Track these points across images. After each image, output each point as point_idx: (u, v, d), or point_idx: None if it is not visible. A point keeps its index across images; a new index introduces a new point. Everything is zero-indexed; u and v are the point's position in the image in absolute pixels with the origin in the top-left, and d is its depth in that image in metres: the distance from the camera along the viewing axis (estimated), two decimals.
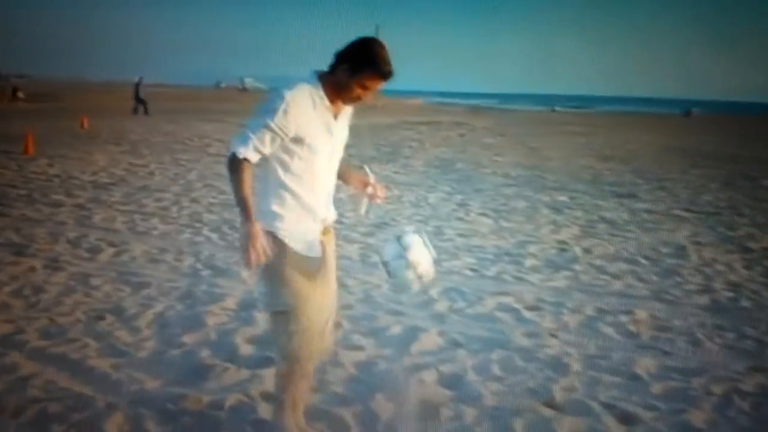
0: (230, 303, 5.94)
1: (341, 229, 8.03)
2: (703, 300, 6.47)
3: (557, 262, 7.70)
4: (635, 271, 7.43)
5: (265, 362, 4.70)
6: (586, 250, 8.30)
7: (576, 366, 4.81)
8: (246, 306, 5.87)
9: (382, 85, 3.27)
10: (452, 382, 4.52)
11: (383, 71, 3.19)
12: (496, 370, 4.72)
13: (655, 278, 7.14)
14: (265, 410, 4.01)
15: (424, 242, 3.56)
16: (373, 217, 9.07)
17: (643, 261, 7.87)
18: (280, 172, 3.27)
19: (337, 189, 3.55)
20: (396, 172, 15.18)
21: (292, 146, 3.21)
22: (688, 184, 14.67)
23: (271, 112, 3.11)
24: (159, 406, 4.02)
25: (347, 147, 3.55)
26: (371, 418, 3.98)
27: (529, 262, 7.69)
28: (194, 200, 11.02)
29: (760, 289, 6.83)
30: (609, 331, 5.59)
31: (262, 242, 3.13)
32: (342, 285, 5.31)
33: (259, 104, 3.22)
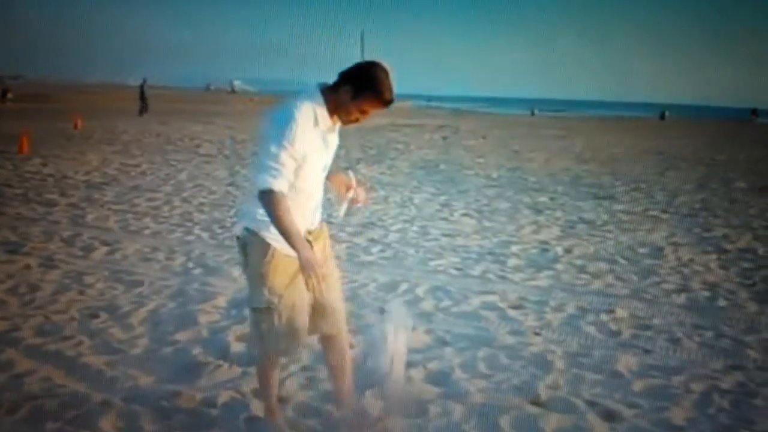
0: (221, 301, 5.90)
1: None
2: (681, 299, 6.47)
3: (539, 262, 7.69)
4: (614, 270, 7.43)
5: (257, 359, 4.67)
6: (567, 250, 8.30)
7: (559, 364, 4.80)
8: (237, 304, 5.82)
9: (381, 111, 3.27)
10: (440, 379, 4.50)
11: (384, 99, 3.18)
12: (482, 367, 4.70)
13: (634, 277, 7.14)
14: (257, 407, 3.97)
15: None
16: (351, 219, 9.05)
17: (622, 261, 7.87)
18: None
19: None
20: (382, 173, 15.16)
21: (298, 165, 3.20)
22: (664, 186, 14.71)
23: (289, 139, 3.08)
24: (153, 403, 3.98)
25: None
26: (361, 415, 3.94)
27: (512, 261, 7.68)
28: (185, 200, 10.96)
29: (736, 288, 6.83)
30: (591, 329, 5.58)
31: (320, 264, 3.17)
32: None
33: (271, 126, 3.16)
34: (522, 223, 9.95)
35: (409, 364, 4.63)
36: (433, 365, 4.69)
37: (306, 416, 3.91)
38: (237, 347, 4.91)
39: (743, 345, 5.32)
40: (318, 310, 3.50)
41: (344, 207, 3.65)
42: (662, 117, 61.81)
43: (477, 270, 7.27)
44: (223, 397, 4.07)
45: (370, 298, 6.15)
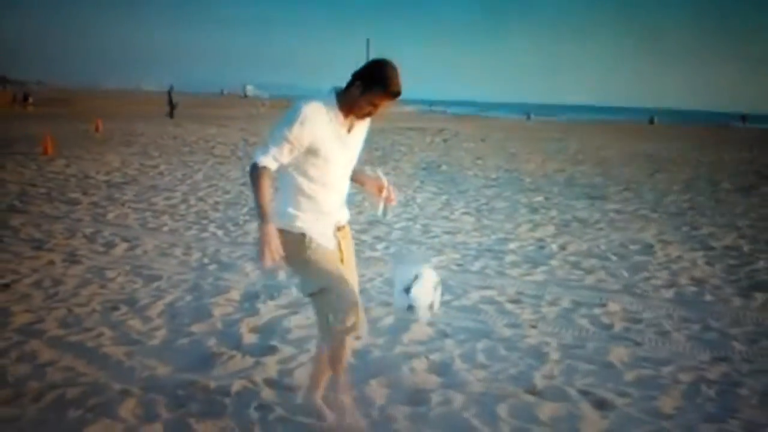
0: (235, 295, 5.90)
1: None
2: (670, 294, 6.44)
3: (535, 258, 7.67)
4: (606, 266, 7.40)
5: (269, 350, 4.68)
6: (562, 247, 8.28)
7: (554, 355, 4.79)
8: (249, 297, 5.83)
9: (391, 104, 3.29)
10: (441, 369, 4.49)
11: (391, 90, 3.21)
12: (481, 358, 4.69)
13: (625, 273, 7.12)
14: (268, 395, 3.98)
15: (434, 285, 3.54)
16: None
17: (614, 257, 7.85)
18: (298, 180, 3.33)
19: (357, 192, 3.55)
20: (386, 174, 14.98)
21: (308, 156, 3.26)
22: (653, 186, 14.67)
23: (289, 124, 3.16)
24: (169, 391, 3.98)
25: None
26: (366, 403, 3.94)
27: (509, 258, 7.66)
28: (201, 199, 10.97)
29: (721, 284, 6.81)
30: (584, 322, 5.57)
31: (276, 242, 3.17)
32: None
33: (280, 117, 3.25)
34: (519, 222, 9.94)
35: (412, 356, 4.66)
36: (434, 356, 4.68)
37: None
38: (249, 338, 4.91)
39: (729, 338, 5.30)
40: None
41: (381, 207, 3.68)
42: (651, 121, 61.75)
43: (476, 266, 7.25)
44: (236, 386, 4.06)
45: (376, 292, 6.15)
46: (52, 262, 6.82)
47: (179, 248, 7.57)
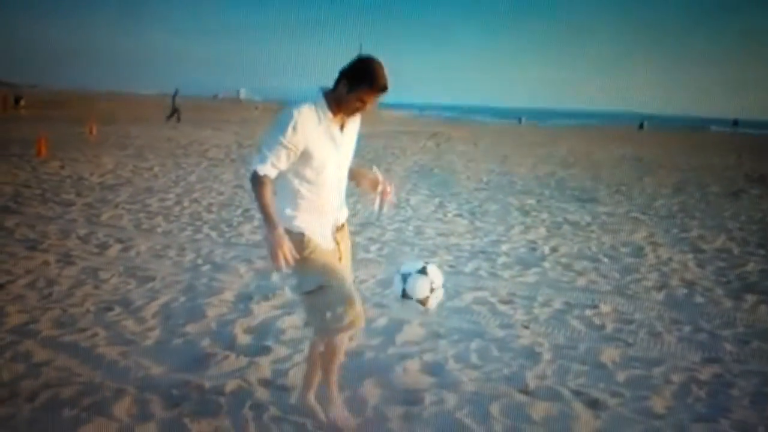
0: (228, 296, 5.88)
1: None
2: (661, 296, 6.45)
3: (527, 260, 7.67)
4: (598, 268, 7.41)
5: (262, 350, 4.67)
6: (553, 249, 8.28)
7: (547, 355, 4.79)
8: (243, 298, 5.81)
9: (379, 99, 3.27)
10: (434, 369, 4.49)
11: (378, 86, 3.20)
12: (474, 358, 4.68)
13: (616, 275, 7.13)
14: (262, 395, 3.97)
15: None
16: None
17: (605, 259, 7.86)
18: (295, 182, 3.32)
19: (350, 195, 3.54)
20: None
21: (304, 159, 3.25)
22: (643, 189, 14.71)
23: (282, 130, 3.16)
24: (164, 391, 3.96)
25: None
26: (360, 403, 3.94)
27: (501, 259, 7.66)
28: (195, 201, 10.93)
29: (712, 286, 6.82)
30: (576, 323, 5.57)
31: (288, 245, 3.16)
32: None
33: (272, 123, 3.24)
34: (511, 224, 9.94)
35: (405, 356, 4.65)
36: (428, 356, 4.68)
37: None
38: (243, 339, 4.89)
39: (719, 339, 5.31)
40: None
41: (377, 203, 3.68)
42: (641, 126, 61.83)
43: (469, 267, 7.25)
44: (230, 385, 4.05)
45: (369, 293, 6.13)
46: (46, 263, 6.78)
47: (173, 249, 7.54)
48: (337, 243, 3.52)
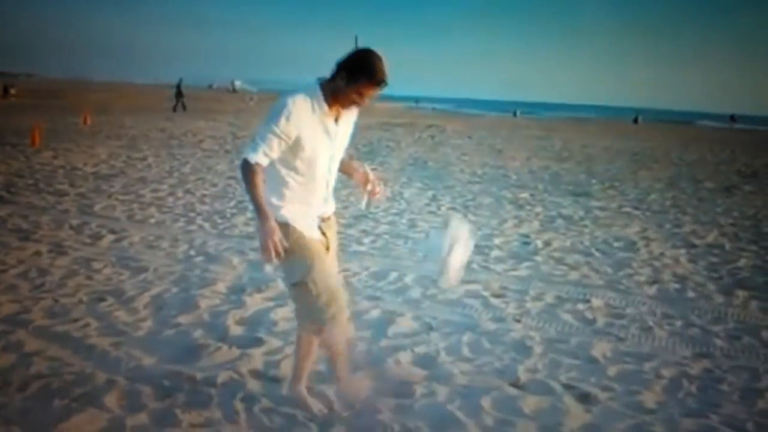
0: (221, 287, 5.87)
1: None
2: (653, 290, 6.47)
3: (520, 254, 7.69)
4: (590, 262, 7.43)
5: (254, 342, 4.66)
6: (546, 243, 8.29)
7: (538, 349, 4.79)
8: (236, 290, 5.81)
9: (377, 93, 3.25)
10: (426, 362, 4.49)
11: (377, 79, 3.17)
12: (465, 351, 4.69)
13: (608, 269, 7.14)
14: (254, 387, 3.96)
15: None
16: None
17: (597, 254, 7.87)
18: (283, 172, 3.30)
19: (343, 187, 3.51)
20: (374, 169, 14.93)
21: (294, 149, 3.23)
22: (637, 184, 14.73)
23: (276, 118, 3.14)
24: (155, 382, 3.95)
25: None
26: (351, 395, 3.93)
27: (494, 253, 7.67)
28: (188, 192, 10.91)
29: (704, 281, 6.84)
30: (567, 317, 5.58)
31: (279, 236, 3.16)
32: None
33: (267, 114, 3.22)
34: (504, 218, 9.94)
35: (397, 348, 4.66)
36: (420, 349, 4.68)
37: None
38: (236, 330, 4.89)
39: (711, 334, 5.32)
40: None
41: (365, 200, 3.69)
42: (636, 120, 61.90)
43: None
44: (222, 377, 4.04)
45: (362, 285, 6.14)
46: (38, 253, 6.76)
47: (166, 240, 7.53)
48: (323, 234, 3.49)
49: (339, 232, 3.77)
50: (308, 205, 3.37)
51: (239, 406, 3.72)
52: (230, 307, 5.37)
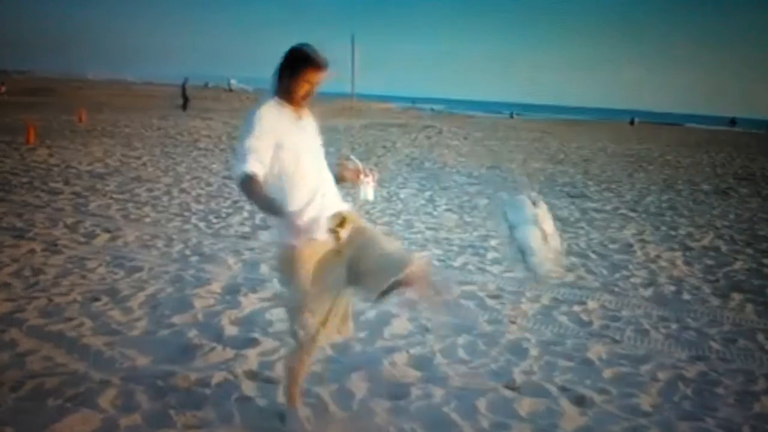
0: (216, 287, 5.86)
1: None
2: (648, 293, 6.48)
3: (516, 255, 7.66)
4: (586, 264, 7.43)
5: (249, 342, 4.65)
6: None
7: (534, 351, 4.79)
8: (231, 290, 5.80)
9: (323, 77, 3.31)
10: (422, 363, 4.49)
11: (318, 62, 3.27)
12: (461, 353, 4.69)
13: (604, 272, 7.15)
14: (248, 387, 3.96)
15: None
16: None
17: (593, 256, 7.88)
18: (277, 184, 3.27)
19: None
20: (370, 170, 15.04)
21: (278, 153, 3.24)
22: (633, 186, 14.74)
23: (250, 128, 3.20)
24: (149, 382, 3.95)
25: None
26: (347, 396, 3.94)
27: (490, 254, 7.67)
28: (183, 191, 10.90)
29: (700, 284, 6.85)
30: (563, 319, 5.58)
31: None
32: None
33: (240, 128, 3.28)
34: (500, 219, 9.91)
35: (393, 350, 4.65)
36: (415, 350, 4.68)
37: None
38: (230, 331, 4.88)
39: (706, 337, 5.33)
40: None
41: (362, 191, 3.70)
42: (632, 122, 61.93)
43: (458, 262, 7.25)
44: (216, 377, 4.04)
45: None
46: (32, 251, 6.74)
47: (161, 240, 7.52)
48: (336, 235, 3.39)
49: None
50: (310, 204, 3.29)
51: (234, 406, 3.71)
52: (225, 307, 5.36)
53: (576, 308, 5.86)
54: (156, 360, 4.32)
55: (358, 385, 4.09)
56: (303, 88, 3.30)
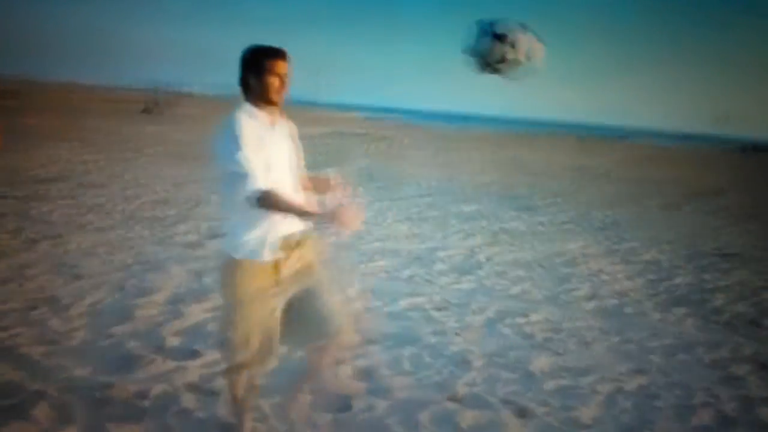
0: (159, 297, 5.77)
1: None
2: (591, 305, 6.56)
3: (463, 267, 7.72)
4: (532, 277, 7.50)
5: (191, 354, 4.59)
6: (489, 257, 8.35)
7: (477, 363, 4.82)
8: (174, 300, 5.71)
9: (286, 67, 3.18)
10: (366, 375, 4.48)
11: (275, 52, 3.15)
12: (406, 365, 4.69)
13: (549, 284, 7.23)
14: (188, 401, 3.90)
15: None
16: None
17: (539, 268, 7.96)
18: (238, 194, 3.10)
19: None
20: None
21: None
22: (580, 200, 14.95)
23: (238, 139, 3.03)
24: (86, 393, 3.87)
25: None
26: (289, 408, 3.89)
27: (438, 266, 7.70)
28: (129, 198, 10.72)
29: (641, 297, 6.97)
30: (507, 331, 5.62)
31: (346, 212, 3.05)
32: None
33: (222, 142, 3.07)
34: (450, 231, 9.99)
35: (338, 361, 4.60)
36: (360, 362, 4.66)
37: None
38: (172, 342, 4.80)
39: (647, 350, 5.41)
40: (303, 320, 3.35)
41: (328, 200, 3.51)
42: (582, 137, 62.89)
43: (406, 273, 7.26)
44: (156, 390, 3.97)
45: None
46: None
47: (104, 247, 7.37)
48: (286, 258, 3.28)
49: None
50: (269, 221, 3.17)
51: (172, 420, 3.66)
52: (167, 318, 5.28)
53: (520, 320, 5.91)
54: (94, 371, 4.23)
55: (301, 397, 4.05)
56: (273, 83, 3.16)
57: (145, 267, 6.71)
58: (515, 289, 6.93)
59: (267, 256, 3.20)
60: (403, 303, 6.13)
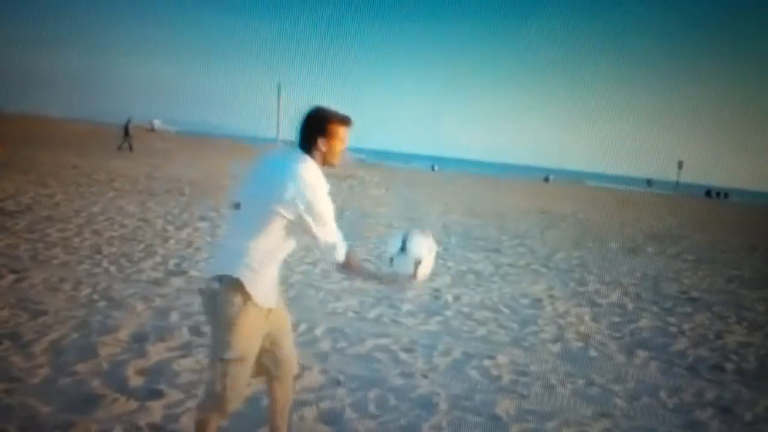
0: (123, 335, 5.68)
1: None
2: (557, 348, 6.59)
3: (430, 308, 7.72)
4: (498, 318, 7.52)
5: (155, 394, 4.51)
6: (456, 298, 8.37)
7: (443, 405, 4.80)
8: (138, 338, 5.62)
9: (348, 132, 3.32)
10: (331, 418, 4.44)
11: (343, 119, 3.27)
12: (371, 408, 4.66)
13: (515, 326, 7.25)
14: None
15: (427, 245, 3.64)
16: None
17: (505, 310, 7.98)
18: (280, 239, 3.22)
19: None
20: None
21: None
22: (545, 242, 15.08)
23: (324, 194, 3.27)
24: None
25: None
26: None
27: (405, 306, 7.68)
28: (96, 232, 10.58)
29: (606, 340, 7.02)
30: (474, 373, 5.62)
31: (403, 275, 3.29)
32: None
33: (309, 188, 3.21)
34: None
35: (302, 403, 4.58)
36: (325, 404, 4.62)
37: None
38: (135, 381, 4.72)
39: (611, 394, 5.44)
40: (272, 357, 3.49)
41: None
42: (546, 180, 63.68)
43: (373, 314, 7.23)
44: (118, 429, 3.90)
45: None
46: None
47: (69, 283, 7.25)
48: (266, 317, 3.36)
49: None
50: (277, 266, 3.32)
51: None
52: (131, 356, 5.19)
53: (486, 362, 5.91)
54: (56, 409, 4.14)
55: None
56: (338, 147, 3.29)
57: (109, 303, 6.61)
58: (481, 331, 6.95)
59: (273, 304, 3.36)
60: (370, 344, 6.11)
